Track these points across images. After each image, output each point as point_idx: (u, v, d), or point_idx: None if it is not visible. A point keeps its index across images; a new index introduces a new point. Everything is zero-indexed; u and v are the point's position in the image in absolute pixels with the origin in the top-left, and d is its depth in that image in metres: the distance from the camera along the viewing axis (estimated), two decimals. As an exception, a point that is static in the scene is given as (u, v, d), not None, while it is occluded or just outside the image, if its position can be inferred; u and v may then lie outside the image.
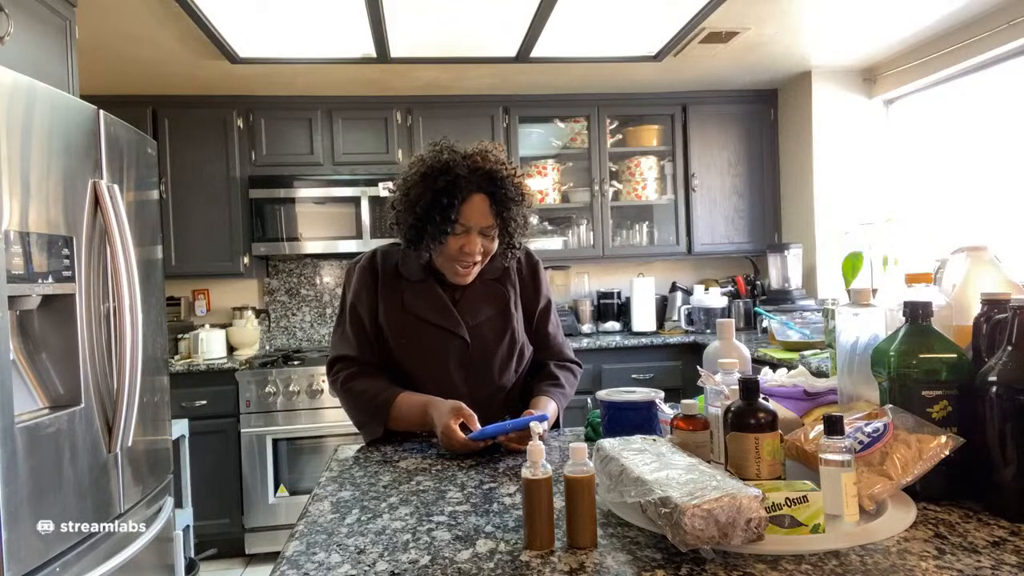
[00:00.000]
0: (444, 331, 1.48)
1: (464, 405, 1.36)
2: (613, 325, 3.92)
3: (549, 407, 1.48)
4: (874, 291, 1.36)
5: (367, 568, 0.84)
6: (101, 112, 1.87)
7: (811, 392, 1.25)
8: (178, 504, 2.63)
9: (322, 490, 1.16)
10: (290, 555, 0.89)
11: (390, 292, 1.51)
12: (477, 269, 1.49)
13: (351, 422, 1.54)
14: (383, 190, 3.50)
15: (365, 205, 3.55)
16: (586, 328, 3.86)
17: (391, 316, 1.50)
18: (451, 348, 1.49)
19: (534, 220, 3.94)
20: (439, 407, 1.38)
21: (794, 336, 2.98)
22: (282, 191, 3.53)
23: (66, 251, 1.67)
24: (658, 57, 3.20)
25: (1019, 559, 0.79)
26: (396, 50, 2.98)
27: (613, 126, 3.97)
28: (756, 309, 3.46)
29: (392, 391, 1.46)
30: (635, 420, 1.25)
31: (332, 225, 3.55)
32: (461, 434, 1.31)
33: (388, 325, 1.50)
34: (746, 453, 0.96)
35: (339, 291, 2.93)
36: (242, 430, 3.26)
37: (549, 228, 4.01)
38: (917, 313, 1.02)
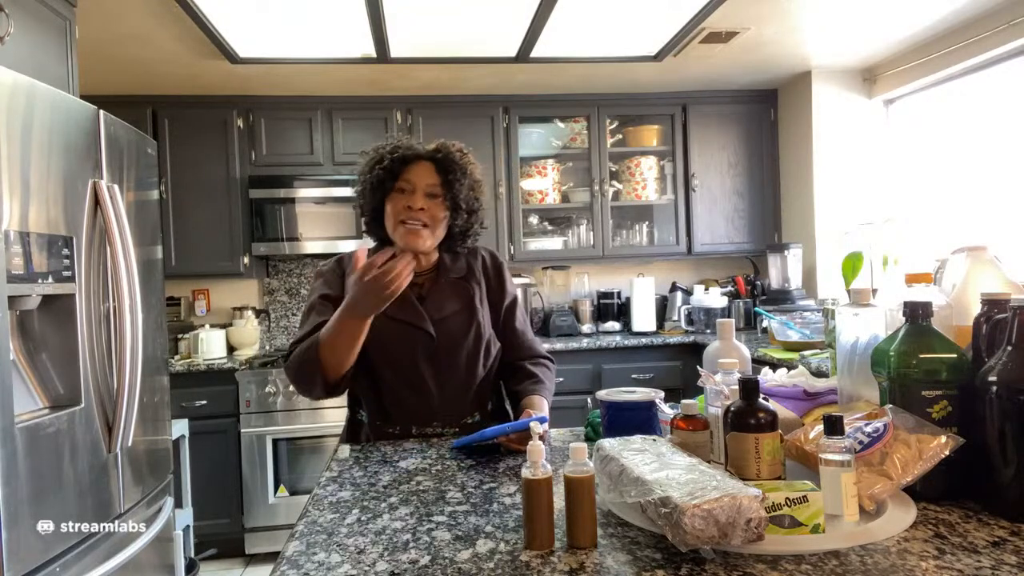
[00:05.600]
0: (409, 326, 1.50)
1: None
2: (613, 325, 3.92)
3: (544, 407, 1.49)
4: (874, 291, 1.36)
5: (367, 568, 0.84)
6: (101, 112, 1.87)
7: (811, 392, 1.25)
8: (178, 504, 2.63)
9: (322, 490, 1.16)
10: (290, 555, 0.89)
11: None
12: (431, 238, 1.50)
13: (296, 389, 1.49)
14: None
15: (365, 205, 3.55)
16: (586, 328, 3.86)
17: None
18: (417, 343, 1.50)
19: (534, 220, 3.94)
20: (350, 290, 1.35)
21: (794, 336, 2.97)
22: (282, 191, 3.54)
23: (66, 251, 1.68)
24: (658, 57, 3.20)
25: (1019, 559, 0.79)
26: (396, 50, 2.98)
27: (613, 126, 3.97)
28: (756, 309, 3.46)
29: (319, 331, 1.41)
30: (635, 420, 1.25)
31: (332, 225, 3.55)
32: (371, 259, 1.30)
33: None
34: (746, 453, 0.96)
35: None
36: (242, 430, 3.26)
37: (549, 228, 4.01)
38: (917, 313, 1.02)
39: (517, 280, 3.76)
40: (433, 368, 1.51)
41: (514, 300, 1.66)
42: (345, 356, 1.39)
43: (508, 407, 1.68)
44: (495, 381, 1.64)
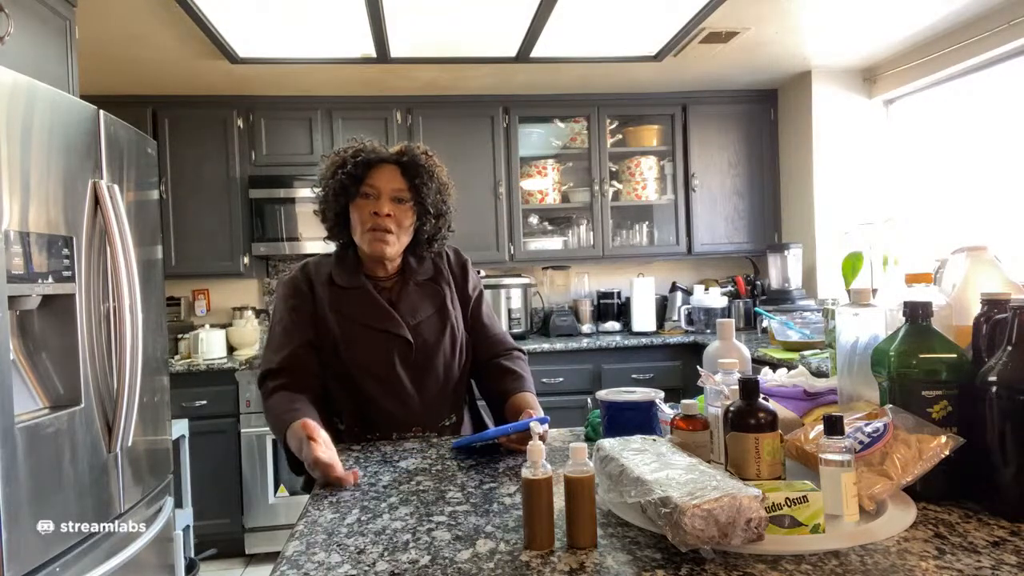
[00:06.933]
0: (386, 334, 1.48)
1: (308, 423, 1.21)
2: (613, 325, 3.92)
3: (538, 405, 1.48)
4: (874, 291, 1.36)
5: (367, 568, 0.84)
6: (101, 112, 1.87)
7: (811, 392, 1.25)
8: (178, 504, 2.63)
9: (322, 490, 1.16)
10: (290, 555, 0.89)
11: (328, 302, 1.50)
12: (397, 243, 1.49)
13: None
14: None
15: (365, 205, 3.55)
16: (586, 328, 3.86)
17: (332, 325, 1.48)
18: (395, 350, 1.48)
19: (534, 220, 3.94)
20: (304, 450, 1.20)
21: (794, 336, 2.97)
22: (282, 191, 3.54)
23: (66, 251, 1.68)
24: (658, 57, 3.20)
25: (1019, 559, 0.79)
26: (396, 50, 2.98)
27: (613, 126, 3.97)
28: (756, 309, 3.46)
29: (295, 414, 1.31)
30: (635, 420, 1.25)
31: (332, 225, 3.55)
32: (325, 457, 1.15)
33: (329, 334, 1.48)
34: (746, 453, 0.96)
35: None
36: (242, 430, 3.26)
37: (549, 228, 4.01)
38: (917, 313, 1.01)
39: (517, 280, 3.77)
40: (411, 374, 1.49)
41: (480, 294, 1.65)
42: None
43: (482, 406, 1.67)
44: (467, 381, 1.63)
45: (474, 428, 1.64)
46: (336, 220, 1.53)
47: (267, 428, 3.24)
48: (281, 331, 1.49)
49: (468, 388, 1.65)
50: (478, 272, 1.72)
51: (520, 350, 1.66)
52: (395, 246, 1.49)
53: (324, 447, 1.18)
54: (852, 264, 3.08)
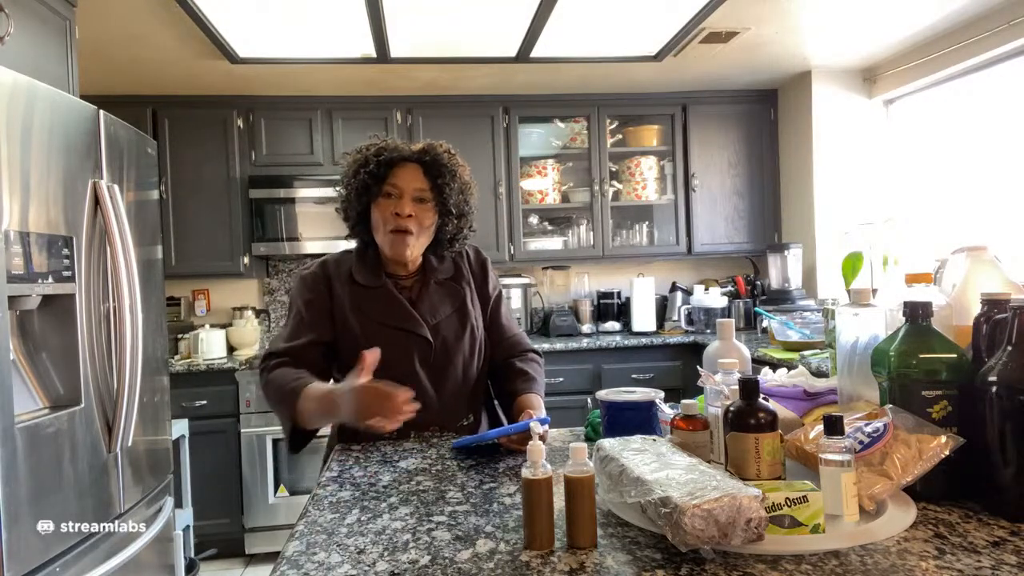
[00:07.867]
0: (407, 333, 1.48)
1: (365, 354, 1.27)
2: (613, 325, 3.92)
3: (542, 406, 1.48)
4: (874, 291, 1.36)
5: (367, 568, 0.84)
6: (101, 112, 1.87)
7: (811, 392, 1.25)
8: (178, 504, 2.63)
9: (322, 490, 1.16)
10: (290, 555, 0.89)
11: (347, 299, 1.49)
12: (418, 245, 1.49)
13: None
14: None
15: (365, 205, 3.55)
16: (586, 328, 3.86)
17: (351, 323, 1.48)
18: (415, 349, 1.48)
19: (534, 220, 3.94)
20: (344, 386, 1.27)
21: (794, 336, 2.97)
22: (282, 191, 3.54)
23: (66, 251, 1.68)
24: (658, 57, 3.20)
25: (1019, 559, 0.79)
26: (396, 50, 2.98)
27: (613, 126, 3.97)
28: (756, 309, 3.46)
29: (304, 380, 1.36)
30: (635, 420, 1.25)
31: (332, 225, 3.55)
32: (370, 381, 1.21)
33: (349, 332, 1.48)
34: (746, 453, 0.96)
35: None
36: (242, 430, 3.26)
37: (549, 228, 4.01)
38: (917, 313, 1.02)
39: (517, 280, 3.77)
40: (430, 373, 1.49)
41: (499, 295, 1.64)
42: (316, 428, 1.41)
43: (497, 406, 1.66)
44: (485, 381, 1.63)
45: (490, 428, 1.63)
46: (358, 219, 1.53)
47: (267, 428, 3.25)
48: (295, 324, 1.50)
49: (485, 389, 1.64)
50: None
51: (536, 352, 1.65)
52: (416, 248, 1.49)
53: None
54: (852, 264, 3.08)
